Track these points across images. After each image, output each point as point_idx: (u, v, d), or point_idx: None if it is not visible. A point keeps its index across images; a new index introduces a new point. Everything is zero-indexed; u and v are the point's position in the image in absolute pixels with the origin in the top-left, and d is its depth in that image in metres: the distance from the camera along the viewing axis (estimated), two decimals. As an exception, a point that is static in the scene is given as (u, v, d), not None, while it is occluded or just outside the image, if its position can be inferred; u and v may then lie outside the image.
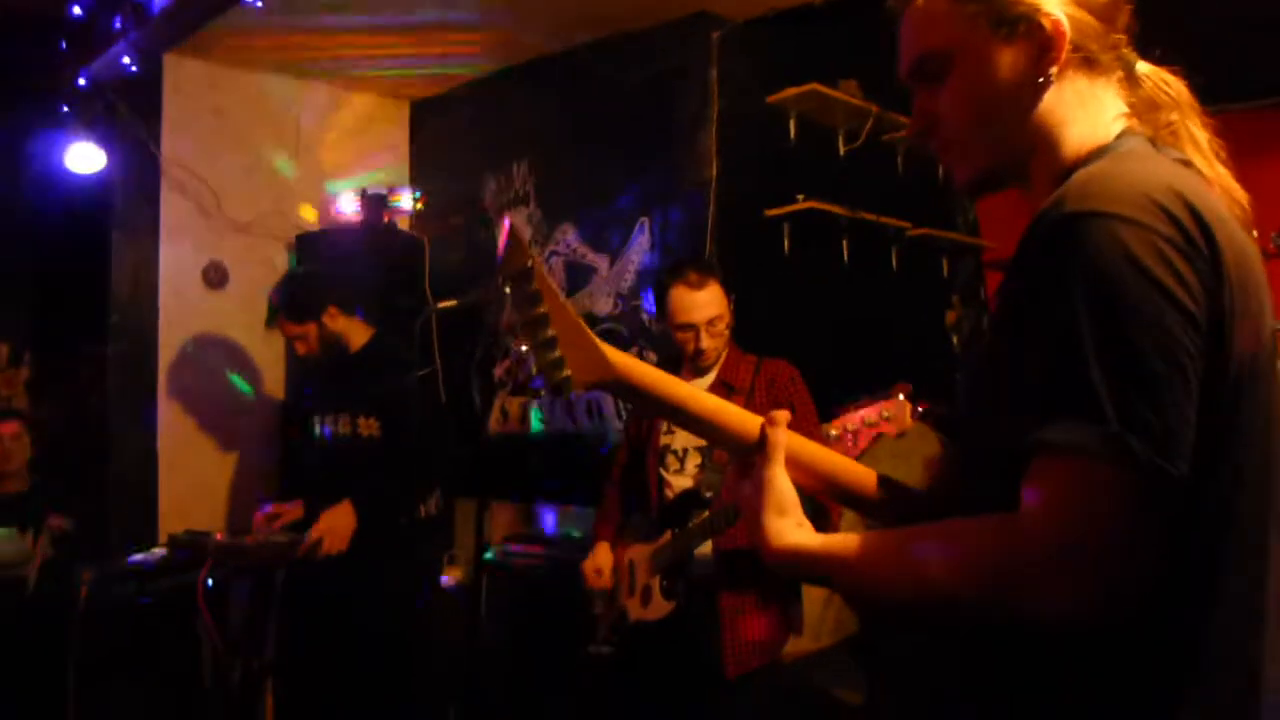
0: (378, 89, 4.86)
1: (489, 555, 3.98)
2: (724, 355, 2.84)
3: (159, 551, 3.43)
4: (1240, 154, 1.07)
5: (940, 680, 1.06)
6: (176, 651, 3.29)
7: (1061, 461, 0.84)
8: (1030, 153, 1.04)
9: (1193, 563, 0.89)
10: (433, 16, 3.97)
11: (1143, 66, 1.08)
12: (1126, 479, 0.82)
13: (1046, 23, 0.99)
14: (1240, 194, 1.03)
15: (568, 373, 1.00)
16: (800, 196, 3.74)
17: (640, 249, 4.07)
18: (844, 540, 1.01)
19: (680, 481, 2.79)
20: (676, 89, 3.95)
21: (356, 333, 3.35)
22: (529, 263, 0.99)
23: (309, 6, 3.89)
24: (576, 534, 4.15)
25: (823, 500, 1.15)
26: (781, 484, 1.06)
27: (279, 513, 3.27)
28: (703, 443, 2.75)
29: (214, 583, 3.15)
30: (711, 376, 2.83)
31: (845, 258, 3.96)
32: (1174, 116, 1.05)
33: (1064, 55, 1.00)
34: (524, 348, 1.01)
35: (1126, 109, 1.05)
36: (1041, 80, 1.01)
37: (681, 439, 2.83)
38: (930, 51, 1.05)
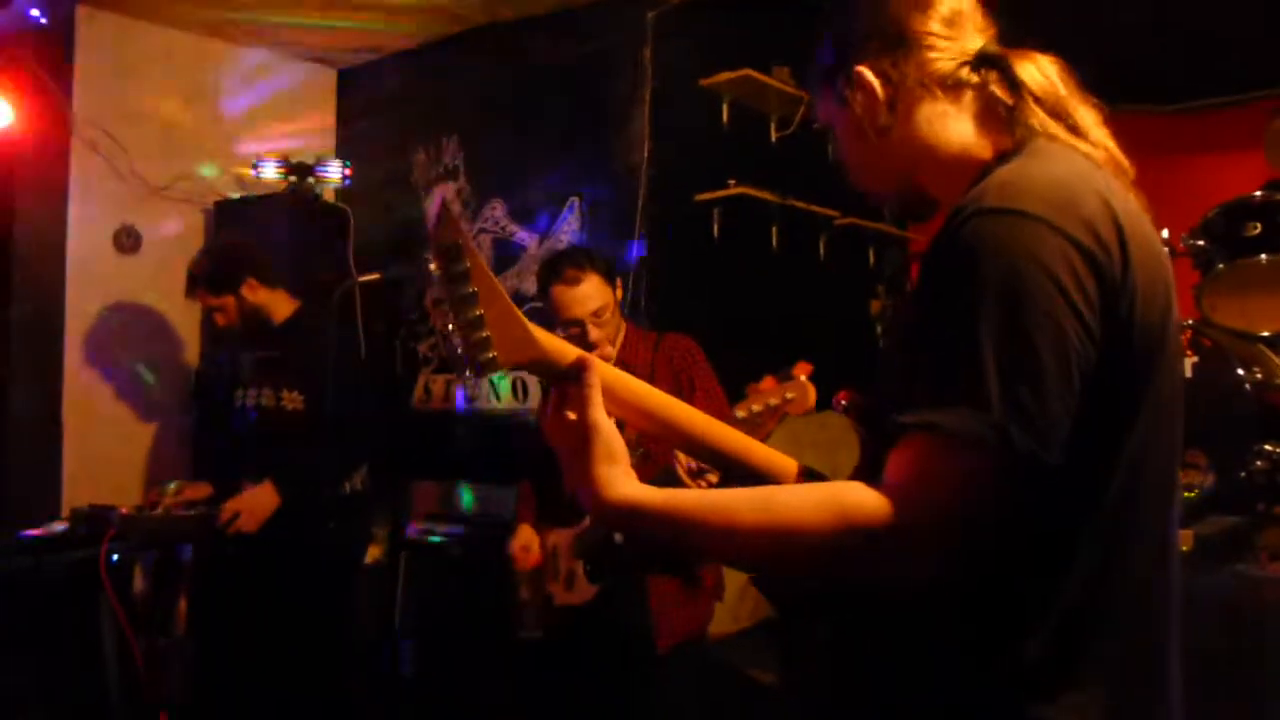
0: (303, 55, 4.73)
1: (409, 534, 3.94)
2: (621, 337, 2.83)
3: (60, 525, 3.32)
4: (1153, 156, 1.10)
5: (850, 661, 1.07)
6: (78, 628, 3.18)
7: (945, 444, 0.87)
8: (916, 177, 1.13)
9: (1100, 534, 0.94)
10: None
11: (1021, 62, 1.09)
12: (1001, 464, 0.86)
13: (861, 82, 1.11)
14: (1126, 166, 1.06)
15: (493, 353, 0.99)
16: (731, 182, 3.75)
17: (570, 228, 4.04)
18: (689, 494, 0.98)
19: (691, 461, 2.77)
20: (610, 68, 3.92)
21: (280, 305, 3.29)
22: (459, 240, 0.98)
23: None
24: (498, 514, 4.13)
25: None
26: (607, 428, 1.02)
27: (182, 489, 3.20)
28: (633, 433, 2.73)
29: (118, 558, 3.06)
30: (611, 359, 2.82)
31: (774, 244, 3.98)
32: (1054, 105, 1.07)
33: (884, 102, 1.10)
34: (449, 325, 0.99)
35: (1003, 108, 1.07)
36: (881, 127, 1.11)
37: None
38: (820, 121, 1.21)
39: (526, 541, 2.84)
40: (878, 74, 1.10)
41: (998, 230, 0.90)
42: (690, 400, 2.70)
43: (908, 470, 0.89)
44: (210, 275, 3.22)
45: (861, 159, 1.17)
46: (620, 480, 0.99)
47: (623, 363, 2.79)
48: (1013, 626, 0.94)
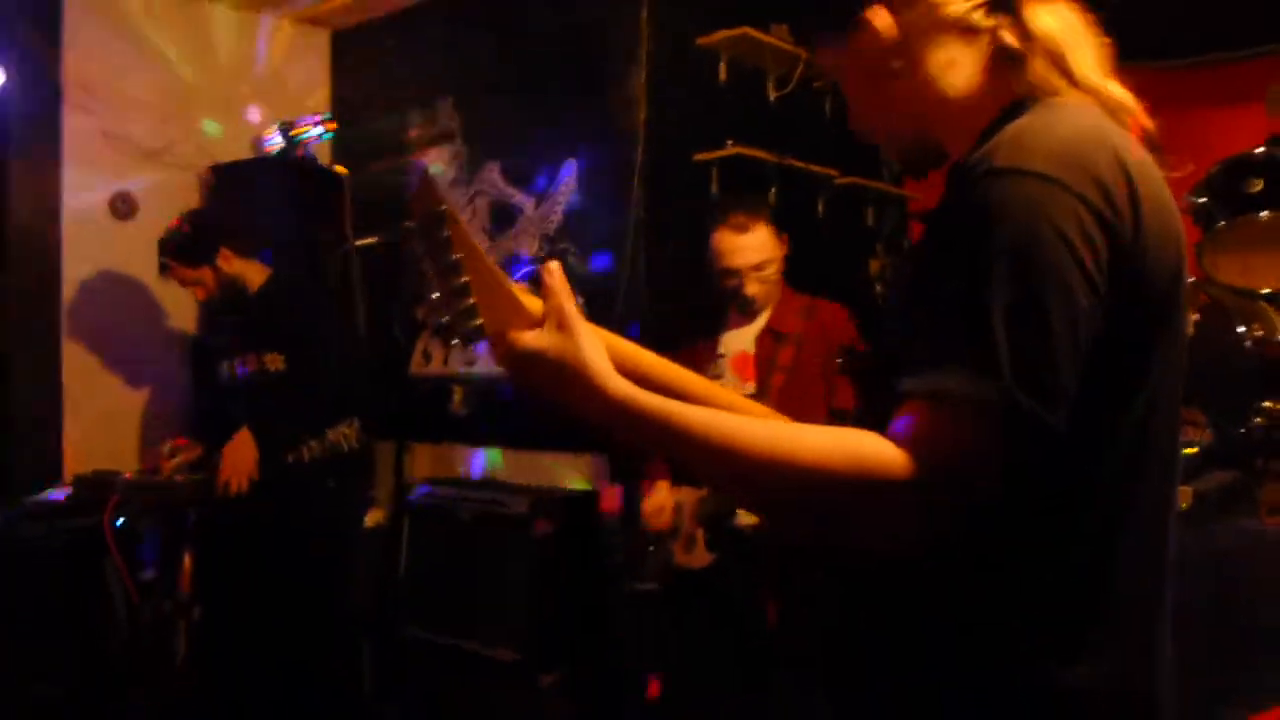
0: (297, 15, 4.67)
1: (412, 497, 3.96)
2: (776, 299, 2.73)
3: (65, 490, 3.34)
4: (1154, 111, 1.09)
5: (858, 634, 1.07)
6: (86, 592, 3.21)
7: (953, 406, 0.87)
8: (925, 125, 1.11)
9: (1103, 501, 0.95)
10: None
11: (1035, 7, 1.07)
12: (1010, 426, 0.86)
13: (874, 20, 1.08)
14: (1142, 118, 1.05)
15: (479, 321, 0.98)
16: (729, 141, 3.72)
17: (567, 190, 4.02)
18: (693, 407, 0.96)
19: None
20: (607, 28, 3.87)
21: (253, 273, 3.31)
22: (441, 207, 0.96)
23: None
24: (497, 475, 4.15)
25: None
26: (587, 325, 1.00)
27: (179, 447, 3.22)
28: (750, 390, 2.68)
29: (123, 522, 3.08)
30: (760, 323, 2.74)
31: (772, 203, 3.96)
32: (1070, 52, 1.04)
33: (895, 44, 1.07)
34: (435, 295, 0.98)
35: (1015, 56, 1.05)
36: (891, 68, 1.08)
37: (728, 387, 2.75)
38: (824, 72, 1.20)
39: (662, 503, 2.74)
40: (891, 13, 1.08)
41: (1008, 191, 0.89)
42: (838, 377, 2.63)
43: (917, 430, 0.88)
44: (185, 248, 3.23)
45: (871, 105, 1.14)
46: (613, 374, 0.97)
47: (772, 330, 2.71)
48: (1024, 590, 0.94)
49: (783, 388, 2.63)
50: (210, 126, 4.42)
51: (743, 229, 2.62)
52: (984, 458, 0.87)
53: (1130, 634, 0.97)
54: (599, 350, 0.99)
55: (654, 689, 2.95)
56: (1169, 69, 3.33)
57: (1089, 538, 0.95)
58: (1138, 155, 0.97)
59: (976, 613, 0.96)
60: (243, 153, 4.38)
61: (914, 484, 0.86)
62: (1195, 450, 2.47)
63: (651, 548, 2.79)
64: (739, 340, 2.77)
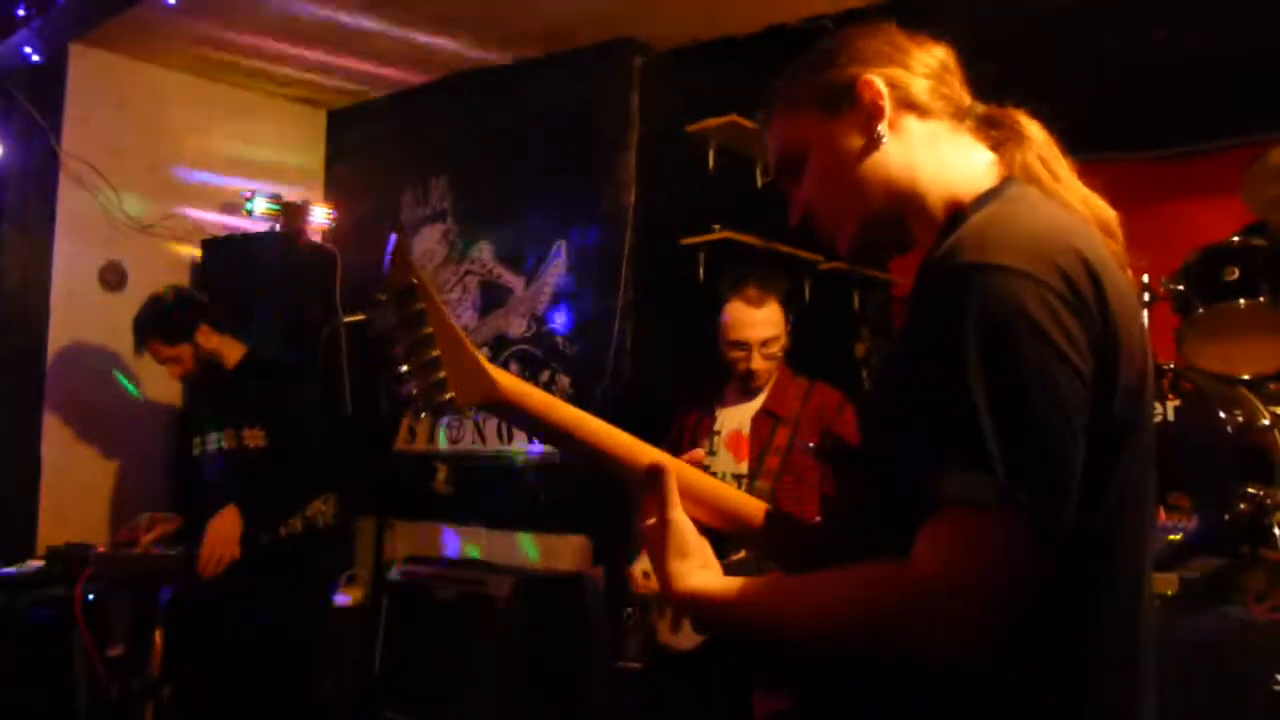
0: (293, 95, 4.76)
1: (392, 575, 3.90)
2: (774, 379, 2.73)
3: (35, 563, 3.27)
4: (1132, 201, 1.11)
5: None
6: (53, 668, 3.12)
7: (954, 513, 0.86)
8: (897, 207, 1.09)
9: (1075, 591, 0.93)
10: (350, 24, 3.91)
11: (998, 110, 1.12)
12: (1014, 526, 0.85)
13: (864, 90, 1.08)
14: (1110, 217, 1.07)
15: (450, 394, 0.98)
16: (716, 226, 3.78)
17: (557, 271, 4.06)
18: (744, 584, 1.02)
19: None
20: (598, 113, 3.96)
21: (230, 349, 3.30)
22: (414, 280, 0.97)
23: (224, 6, 3.80)
24: (479, 556, 4.09)
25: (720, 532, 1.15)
26: (682, 524, 1.06)
27: (152, 523, 3.16)
28: (743, 471, 2.67)
29: (94, 596, 3.01)
30: (759, 402, 2.72)
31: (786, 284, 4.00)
32: (1033, 154, 1.09)
33: (888, 112, 1.07)
34: (405, 367, 0.99)
35: (989, 151, 1.09)
36: (876, 138, 1.08)
37: (722, 464, 2.71)
38: (785, 150, 1.16)
39: (649, 568, 2.70)
40: (884, 82, 1.08)
41: (980, 287, 0.89)
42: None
43: (925, 547, 0.88)
44: (163, 325, 3.19)
45: (840, 181, 1.11)
46: (692, 574, 1.04)
47: (768, 412, 2.69)
48: (1017, 674, 0.92)
49: (778, 470, 2.61)
50: (203, 202, 4.46)
51: (756, 303, 2.62)
52: (991, 558, 0.86)
53: (1114, 714, 0.96)
54: (684, 549, 1.06)
55: None
56: (1144, 160, 3.42)
57: (1073, 625, 0.93)
58: (1100, 250, 0.98)
59: (958, 703, 0.94)
60: (235, 228, 4.42)
61: (925, 602, 0.87)
62: (1180, 537, 2.46)
63: (631, 621, 2.74)
64: (735, 418, 2.77)
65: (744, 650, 2.54)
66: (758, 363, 2.63)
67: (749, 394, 2.72)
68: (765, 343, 2.63)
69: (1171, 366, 2.70)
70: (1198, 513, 2.50)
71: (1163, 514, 2.52)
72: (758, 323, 2.62)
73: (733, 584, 1.02)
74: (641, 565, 2.73)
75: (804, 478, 2.62)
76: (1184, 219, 3.22)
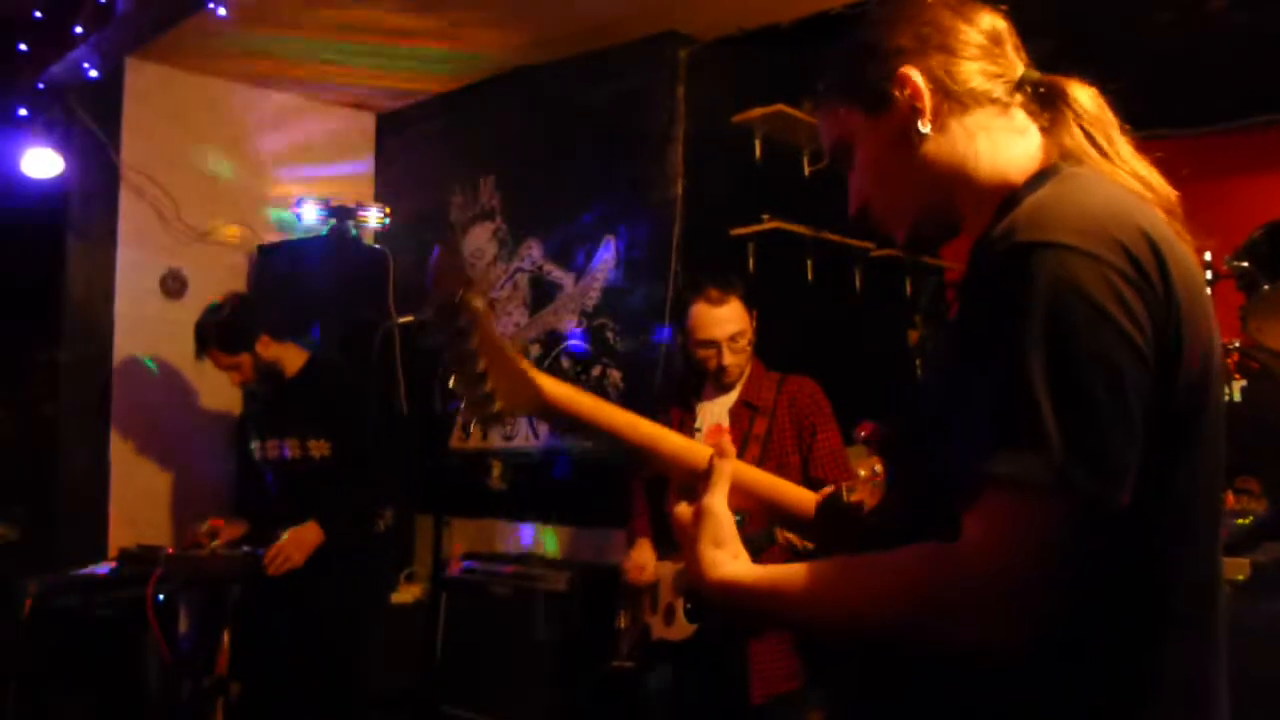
0: (343, 100, 4.84)
1: (450, 573, 3.94)
2: (747, 373, 2.79)
3: (108, 564, 3.36)
4: (1195, 178, 1.08)
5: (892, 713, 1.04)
6: (124, 667, 3.21)
7: (1007, 493, 0.84)
8: (947, 201, 1.07)
9: (1146, 582, 0.91)
10: (396, 28, 3.96)
11: (1067, 86, 1.08)
12: (1070, 510, 0.83)
13: (903, 88, 1.06)
14: (1167, 194, 1.04)
15: (499, 405, 1.00)
16: (766, 216, 3.76)
17: (606, 266, 4.07)
18: (779, 571, 0.98)
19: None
20: (644, 107, 3.96)
21: (291, 358, 3.30)
22: (460, 293, 0.99)
23: (275, 16, 3.86)
24: (539, 551, 4.12)
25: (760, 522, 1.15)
26: (720, 514, 1.04)
27: (218, 528, 3.22)
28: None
29: (165, 597, 3.09)
30: (734, 395, 2.79)
31: (810, 277, 3.98)
32: (1085, 131, 1.05)
33: (929, 108, 1.05)
34: (453, 381, 1.00)
35: (1041, 129, 1.06)
36: (920, 135, 1.05)
37: None
38: (834, 145, 1.14)
39: (643, 560, 2.78)
40: (924, 76, 1.05)
41: (1038, 266, 0.86)
42: (810, 447, 2.69)
43: (976, 527, 0.86)
44: (224, 335, 3.20)
45: (887, 177, 1.09)
46: (725, 562, 1.02)
47: (746, 402, 2.76)
48: (1076, 675, 0.90)
49: (758, 459, 2.65)
50: (260, 207, 4.55)
51: (718, 302, 2.70)
52: (1044, 540, 0.83)
53: (1182, 712, 0.92)
54: (719, 537, 1.03)
55: None
56: (1207, 135, 3.33)
57: (1136, 621, 0.90)
58: (1162, 227, 0.95)
59: (1020, 702, 0.91)
60: (290, 233, 4.50)
61: (973, 589, 0.84)
62: (1250, 521, 2.39)
63: (622, 624, 2.78)
64: (714, 412, 2.83)
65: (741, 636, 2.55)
66: (728, 358, 2.70)
67: (724, 389, 2.79)
68: (733, 338, 2.70)
69: (1237, 345, 2.63)
70: (1267, 496, 2.44)
71: (1231, 498, 2.46)
72: (722, 320, 2.70)
73: (767, 571, 0.99)
74: (636, 556, 2.77)
75: (786, 464, 2.68)
76: (1248, 194, 3.13)
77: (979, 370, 0.89)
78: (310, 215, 4.32)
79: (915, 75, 1.05)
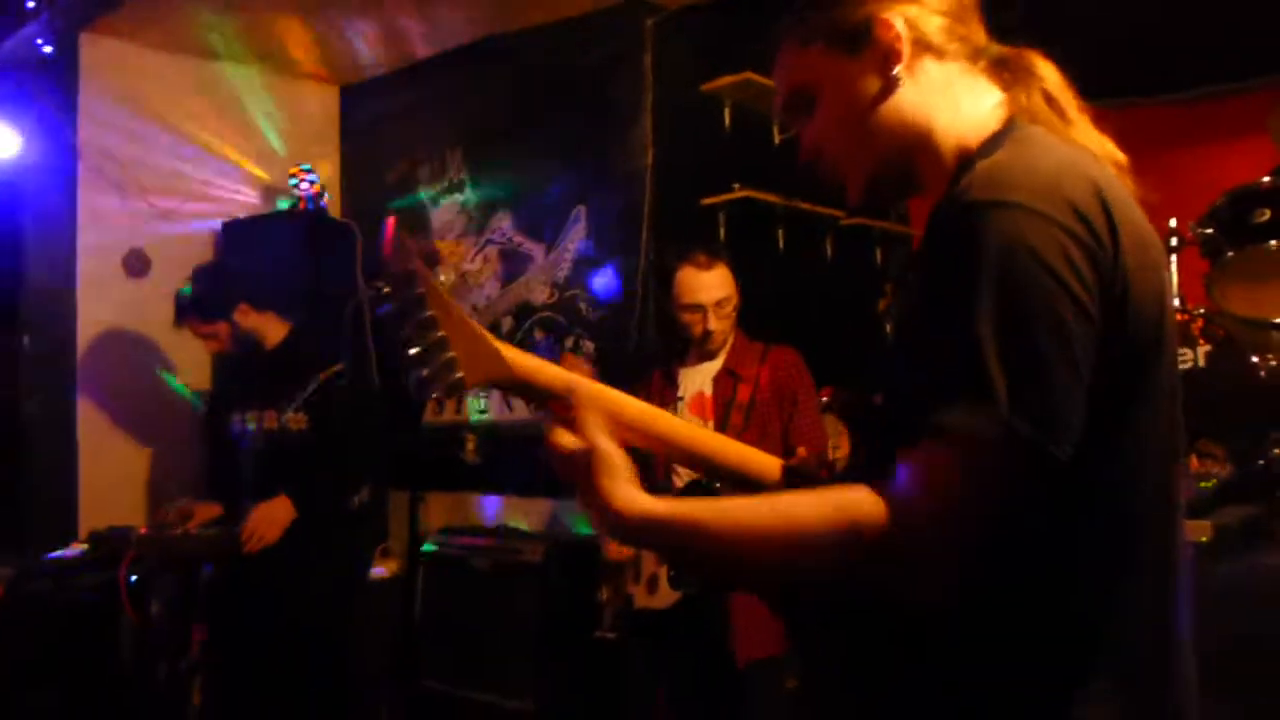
0: (306, 73, 4.75)
1: (427, 547, 3.94)
2: (730, 342, 2.79)
3: (79, 547, 3.34)
4: (1159, 145, 1.09)
5: (864, 673, 1.04)
6: (98, 650, 3.20)
7: (949, 443, 0.85)
8: (909, 153, 1.07)
9: (1103, 531, 0.93)
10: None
11: (1012, 52, 1.09)
12: (1011, 463, 0.85)
13: (882, 30, 1.04)
14: (1120, 158, 1.04)
15: (460, 374, 0.99)
16: (736, 185, 3.75)
17: (576, 237, 4.05)
18: (699, 503, 0.96)
19: (689, 471, 2.73)
20: (612, 76, 3.93)
21: (271, 328, 3.26)
22: (412, 265, 0.98)
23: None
24: (516, 524, 4.13)
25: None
26: (607, 447, 1.00)
27: (191, 510, 3.19)
28: (711, 428, 2.72)
29: (137, 578, 3.07)
30: (719, 363, 2.79)
31: (780, 246, 3.98)
32: (1042, 96, 1.06)
33: (906, 53, 1.04)
34: (413, 350, 0.99)
35: (1001, 94, 1.07)
36: (892, 82, 1.04)
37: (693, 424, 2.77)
38: (794, 90, 1.11)
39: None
40: (901, 20, 1.04)
41: (991, 224, 0.88)
42: (791, 416, 2.71)
43: (914, 473, 0.87)
44: (201, 303, 3.17)
45: (850, 123, 1.07)
46: (629, 494, 0.97)
47: (730, 370, 2.76)
48: (1027, 631, 0.92)
49: (740, 428, 2.67)
50: (221, 184, 4.48)
51: (705, 267, 2.70)
52: (984, 494, 0.85)
53: (1140, 682, 0.94)
54: (614, 468, 0.99)
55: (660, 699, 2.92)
56: (1171, 103, 3.34)
57: (1089, 577, 0.93)
58: (1115, 185, 0.97)
59: (973, 662, 0.93)
60: (254, 208, 4.43)
61: (904, 533, 0.85)
62: (1213, 484, 2.44)
63: (604, 595, 2.81)
64: (696, 380, 2.83)
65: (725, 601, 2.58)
66: (714, 323, 2.70)
67: (708, 356, 2.79)
68: (719, 303, 2.70)
69: (1202, 312, 2.66)
70: (1231, 459, 2.48)
71: (1195, 461, 2.50)
72: (709, 285, 2.69)
73: (686, 504, 0.97)
74: None
75: (768, 433, 2.70)
76: (1212, 162, 3.14)
77: (932, 328, 0.91)
78: (275, 189, 4.26)
79: (895, 19, 1.04)
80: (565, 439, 1.02)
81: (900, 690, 0.99)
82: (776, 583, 0.99)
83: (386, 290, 0.99)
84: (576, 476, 1.00)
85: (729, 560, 0.97)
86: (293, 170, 4.22)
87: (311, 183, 4.20)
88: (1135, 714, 0.94)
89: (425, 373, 0.99)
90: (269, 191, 4.32)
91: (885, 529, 0.86)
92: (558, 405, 1.05)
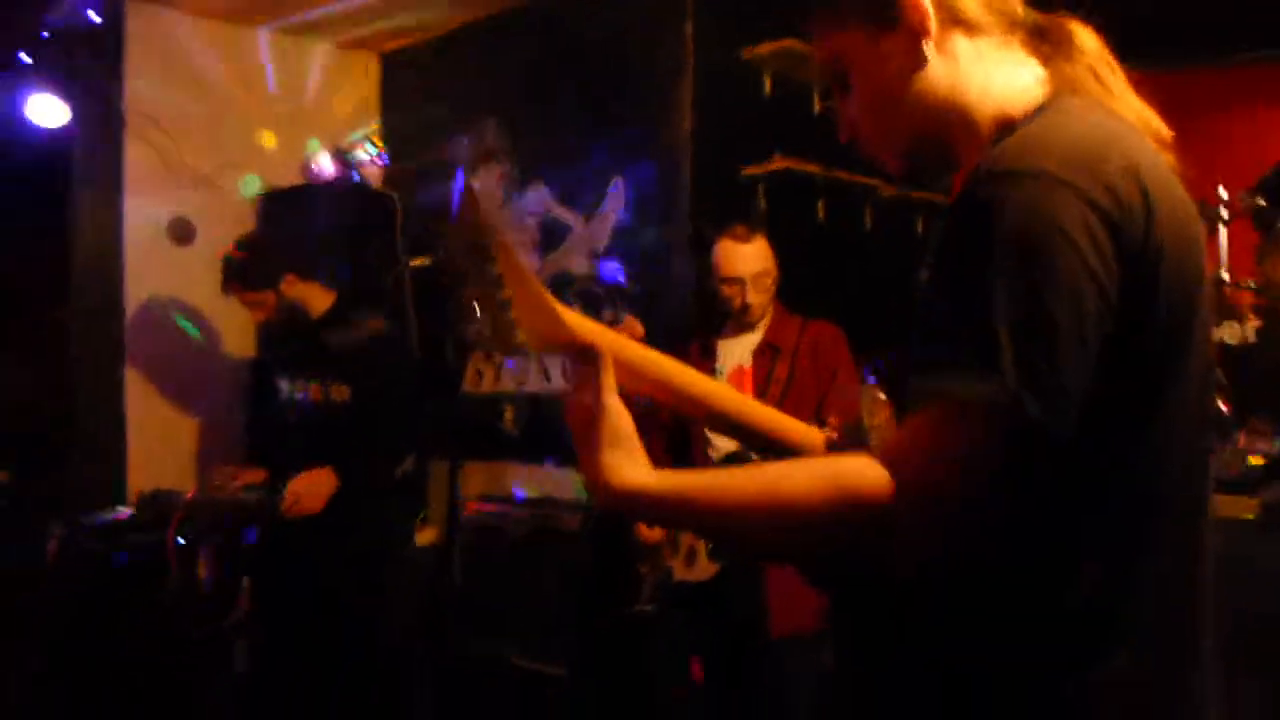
0: (346, 40, 4.76)
1: (464, 515, 3.98)
2: (770, 314, 2.78)
3: (126, 510, 3.41)
4: (1209, 112, 1.07)
5: (876, 641, 1.04)
6: (146, 609, 3.28)
7: (954, 409, 0.85)
8: (944, 129, 1.06)
9: (1120, 510, 0.91)
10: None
11: (1050, 20, 1.07)
12: (1012, 435, 0.83)
13: (909, 8, 1.03)
14: (1163, 132, 1.02)
15: (522, 336, 0.99)
16: (776, 155, 3.72)
17: (616, 207, 4.04)
18: (690, 477, 0.97)
19: (725, 444, 2.69)
20: (651, 45, 3.89)
21: (317, 298, 3.28)
22: (482, 223, 0.97)
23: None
24: (553, 494, 4.15)
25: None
26: (616, 413, 0.99)
27: (237, 474, 3.24)
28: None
29: (185, 540, 3.13)
30: (758, 336, 2.78)
31: (820, 216, 3.95)
32: (1084, 66, 1.04)
33: (934, 31, 1.03)
34: (478, 310, 0.99)
35: (1039, 66, 1.05)
36: (921, 58, 1.04)
37: None
38: (828, 64, 1.11)
39: None
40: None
41: (1013, 192, 0.87)
42: (829, 391, 2.70)
43: (911, 440, 0.86)
44: (247, 271, 3.18)
45: (884, 101, 1.07)
46: (623, 466, 0.97)
47: (769, 344, 2.75)
48: (1037, 609, 0.91)
49: (778, 400, 2.66)
50: (266, 151, 4.52)
51: (744, 239, 2.69)
52: (980, 464, 0.84)
53: (1156, 663, 0.92)
54: (617, 437, 0.98)
55: (697, 671, 2.94)
56: (1219, 69, 3.26)
57: (1107, 554, 0.91)
58: (1153, 158, 0.94)
59: (981, 639, 0.92)
60: (295, 177, 4.46)
61: (896, 503, 0.84)
62: (1261, 460, 2.40)
63: (644, 569, 2.81)
64: (735, 352, 2.81)
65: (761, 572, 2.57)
66: (752, 296, 2.69)
67: (747, 328, 2.77)
68: (758, 276, 2.68)
69: (1251, 285, 2.61)
70: (1278, 436, 2.43)
71: (1243, 438, 2.46)
72: (749, 257, 2.68)
73: (673, 476, 0.96)
74: None
75: (805, 405, 2.67)
76: (1262, 130, 3.07)
77: (949, 292, 0.90)
78: (315, 159, 4.29)
79: (920, 5, 1.03)
80: (579, 397, 1.01)
81: (907, 668, 0.98)
82: (791, 555, 0.98)
83: (457, 244, 0.99)
84: (578, 437, 1.00)
85: (719, 533, 0.99)
86: (348, 144, 4.26)
87: (370, 152, 4.24)
88: (1149, 695, 0.92)
89: (487, 332, 0.99)
90: (310, 160, 4.33)
91: (874, 496, 0.85)
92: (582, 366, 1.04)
